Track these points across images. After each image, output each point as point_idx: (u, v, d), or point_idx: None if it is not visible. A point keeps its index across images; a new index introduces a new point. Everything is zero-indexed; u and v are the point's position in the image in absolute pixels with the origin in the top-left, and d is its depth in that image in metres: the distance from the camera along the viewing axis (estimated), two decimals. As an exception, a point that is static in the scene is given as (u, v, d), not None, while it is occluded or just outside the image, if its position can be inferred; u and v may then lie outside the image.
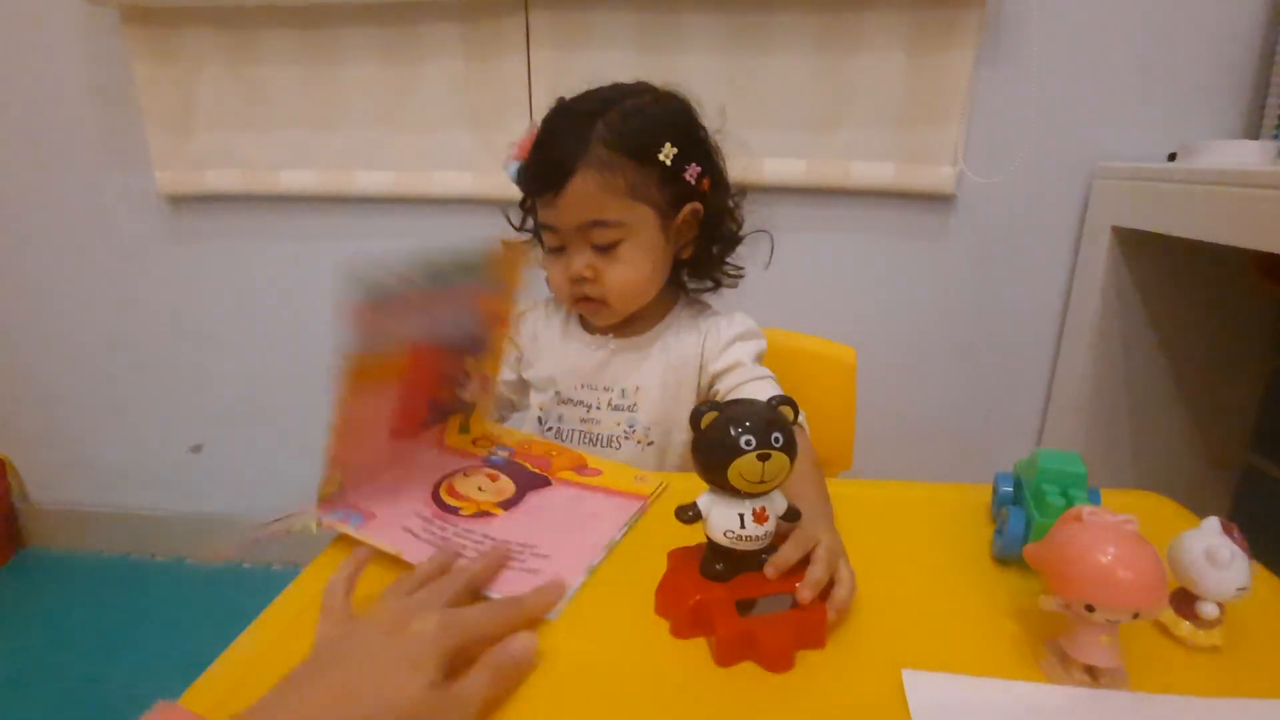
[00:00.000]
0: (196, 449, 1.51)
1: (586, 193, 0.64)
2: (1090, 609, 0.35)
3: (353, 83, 1.21)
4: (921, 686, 0.36)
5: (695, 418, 0.41)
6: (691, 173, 0.67)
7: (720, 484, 0.40)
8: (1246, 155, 0.93)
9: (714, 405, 0.41)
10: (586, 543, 0.50)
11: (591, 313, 0.73)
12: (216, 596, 1.40)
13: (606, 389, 0.73)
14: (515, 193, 1.20)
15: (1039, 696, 0.36)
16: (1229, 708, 0.36)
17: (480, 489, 0.57)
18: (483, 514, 0.54)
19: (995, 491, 0.54)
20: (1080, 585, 0.35)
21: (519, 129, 1.18)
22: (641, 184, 0.66)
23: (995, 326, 1.22)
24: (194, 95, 1.25)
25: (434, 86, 1.20)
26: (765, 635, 0.39)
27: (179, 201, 1.33)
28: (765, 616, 0.40)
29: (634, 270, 0.68)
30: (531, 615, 0.42)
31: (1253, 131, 1.06)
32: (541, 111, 1.15)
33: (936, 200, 1.16)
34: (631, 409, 0.73)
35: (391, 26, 1.18)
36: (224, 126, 1.26)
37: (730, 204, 0.74)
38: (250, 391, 1.45)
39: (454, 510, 0.54)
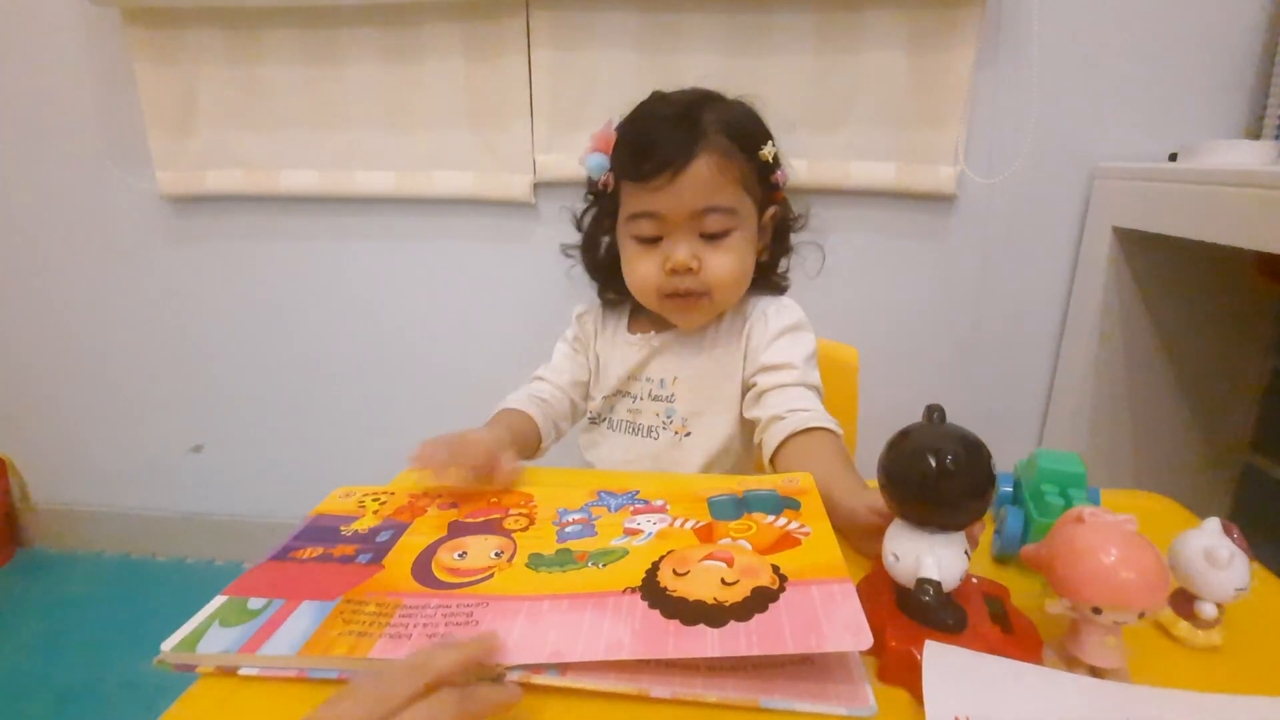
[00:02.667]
0: (197, 449, 1.51)
1: (707, 176, 0.63)
2: (1097, 611, 0.35)
3: (353, 83, 1.21)
4: (939, 657, 0.36)
5: (932, 465, 0.36)
6: (779, 176, 0.68)
7: (959, 523, 0.38)
8: (1246, 155, 0.93)
9: (931, 451, 0.36)
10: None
11: (685, 309, 0.69)
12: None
13: (648, 379, 0.74)
14: (518, 193, 1.22)
15: (1051, 680, 0.36)
16: (1237, 702, 0.36)
17: (497, 553, 0.46)
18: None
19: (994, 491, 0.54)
20: (1087, 588, 0.35)
21: (519, 129, 1.19)
22: (748, 176, 0.66)
23: (996, 326, 1.22)
24: (195, 95, 1.25)
25: (434, 86, 1.20)
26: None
27: (179, 201, 1.33)
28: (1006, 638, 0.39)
29: (740, 261, 0.67)
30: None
31: (1253, 131, 1.06)
32: (542, 111, 1.18)
33: (937, 200, 1.16)
34: (670, 399, 0.73)
35: (392, 26, 1.18)
36: (225, 126, 1.26)
37: (792, 215, 0.76)
38: (250, 391, 1.45)
39: (455, 586, 0.43)
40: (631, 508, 0.52)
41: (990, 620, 0.39)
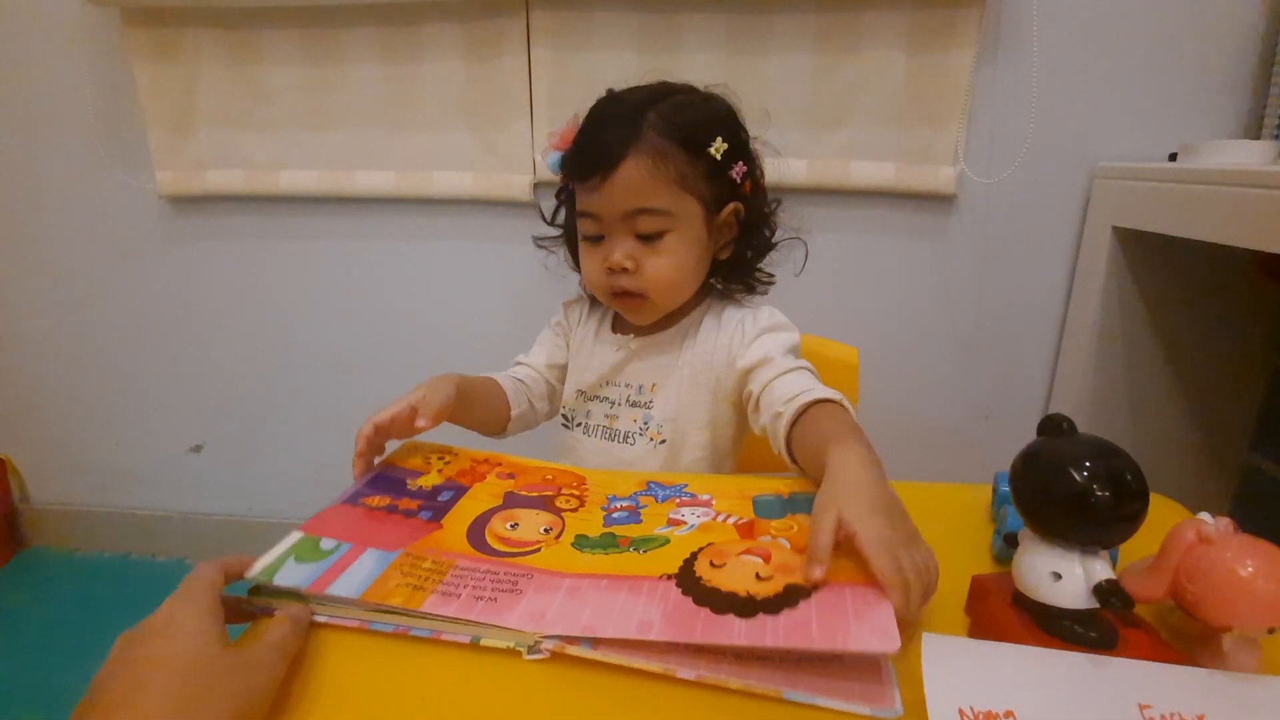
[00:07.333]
0: (197, 449, 1.51)
1: (637, 178, 0.63)
2: (1271, 631, 0.35)
3: (353, 83, 1.22)
4: (937, 649, 0.35)
5: (1079, 483, 0.35)
6: (737, 171, 0.67)
7: (1111, 541, 0.37)
8: (1246, 155, 0.93)
9: (1087, 467, 0.35)
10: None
11: (628, 309, 0.71)
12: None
13: (627, 385, 0.73)
14: (518, 193, 1.22)
15: (1054, 661, 0.36)
16: (1238, 679, 0.35)
17: (546, 529, 0.49)
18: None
19: (995, 491, 0.54)
20: (1267, 612, 0.34)
21: (519, 129, 1.19)
22: (691, 175, 0.65)
23: (996, 326, 1.22)
24: (194, 95, 1.25)
25: (434, 86, 1.20)
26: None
27: (179, 201, 1.33)
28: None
29: (677, 262, 0.67)
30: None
31: (1253, 131, 1.06)
32: (542, 110, 1.18)
33: (937, 200, 1.16)
34: (647, 405, 0.72)
35: (391, 26, 1.18)
36: (224, 127, 1.26)
37: (766, 209, 0.73)
38: (250, 391, 1.45)
39: (505, 555, 0.46)
40: (678, 500, 0.54)
41: (1130, 627, 0.38)
